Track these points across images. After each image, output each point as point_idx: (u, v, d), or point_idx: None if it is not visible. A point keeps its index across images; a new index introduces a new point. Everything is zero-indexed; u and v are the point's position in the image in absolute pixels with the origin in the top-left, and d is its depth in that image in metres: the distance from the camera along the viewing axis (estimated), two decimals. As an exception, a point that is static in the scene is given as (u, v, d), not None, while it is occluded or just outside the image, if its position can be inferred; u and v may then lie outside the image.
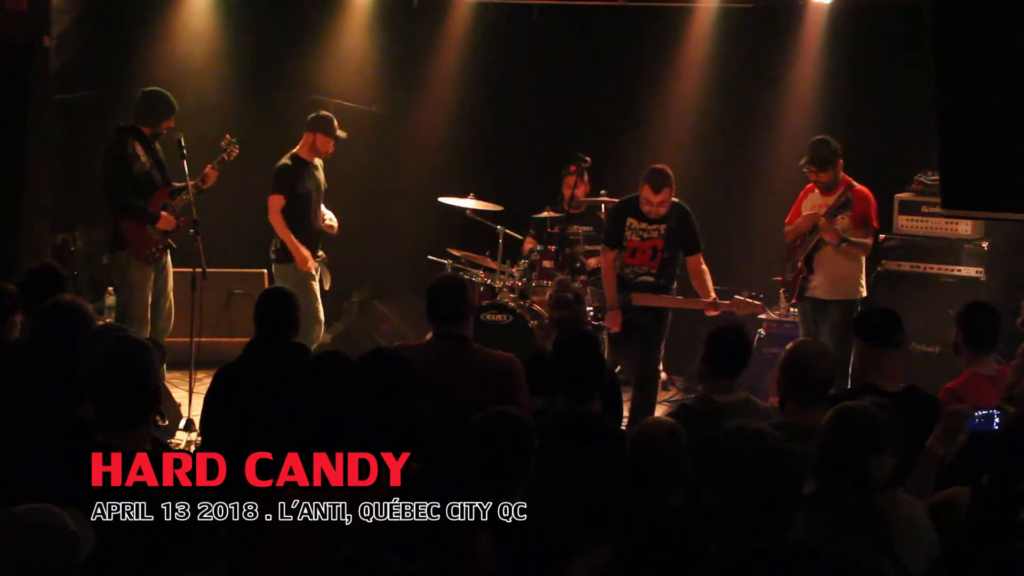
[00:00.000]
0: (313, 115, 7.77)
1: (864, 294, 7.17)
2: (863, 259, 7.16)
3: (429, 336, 4.88)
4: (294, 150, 7.71)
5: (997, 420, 3.72)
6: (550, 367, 4.46)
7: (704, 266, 7.14)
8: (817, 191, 7.18)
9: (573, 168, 8.09)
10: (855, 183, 7.09)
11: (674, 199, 7.07)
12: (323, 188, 7.82)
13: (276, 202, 7.60)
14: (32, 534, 2.79)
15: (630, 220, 7.09)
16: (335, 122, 7.71)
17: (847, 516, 3.15)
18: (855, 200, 7.00)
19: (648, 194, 6.95)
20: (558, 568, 3.18)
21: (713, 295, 7.09)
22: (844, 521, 3.14)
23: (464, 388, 4.43)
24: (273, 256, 7.72)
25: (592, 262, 8.25)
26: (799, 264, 7.15)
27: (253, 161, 8.24)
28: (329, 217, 7.86)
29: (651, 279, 7.09)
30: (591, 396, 4.25)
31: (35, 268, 5.39)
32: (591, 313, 7.29)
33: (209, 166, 7.37)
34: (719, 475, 2.95)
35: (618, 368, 7.32)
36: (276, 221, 7.60)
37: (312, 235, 7.70)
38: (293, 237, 7.55)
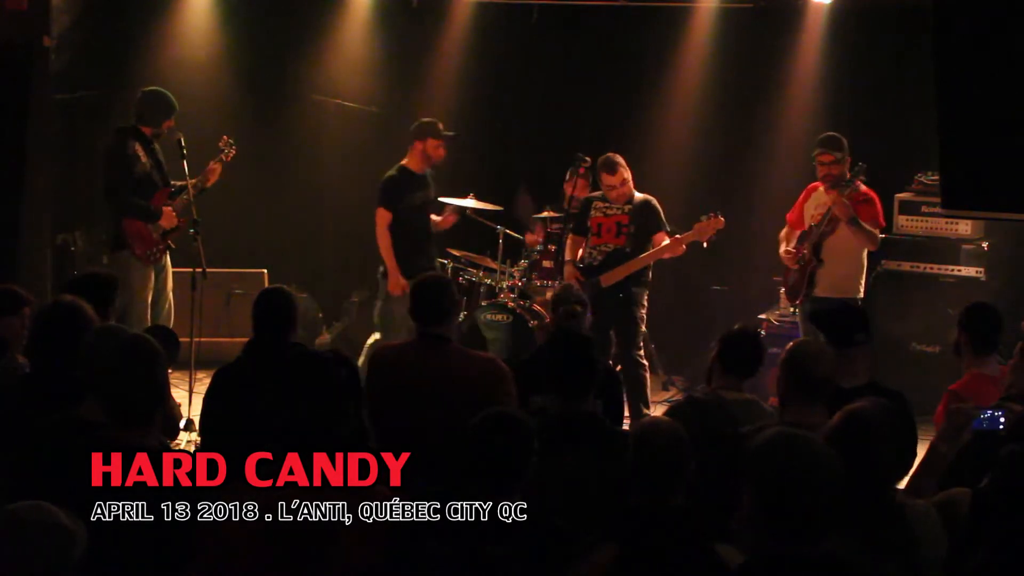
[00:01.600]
0: (416, 124, 7.61)
1: (862, 294, 7.13)
2: (864, 257, 7.12)
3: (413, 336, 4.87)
4: (402, 162, 7.58)
5: (1002, 420, 3.70)
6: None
7: (667, 239, 7.28)
8: (821, 189, 7.12)
9: (582, 170, 8.10)
10: (862, 185, 7.03)
11: (639, 193, 7.28)
12: (433, 199, 7.69)
13: (382, 217, 7.49)
14: (27, 531, 2.79)
15: (596, 203, 7.43)
16: (439, 124, 7.57)
17: (878, 536, 3.11)
18: (858, 198, 6.93)
19: (606, 180, 7.29)
20: (558, 568, 3.18)
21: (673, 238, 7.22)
22: (875, 541, 3.11)
23: (443, 389, 4.43)
24: (380, 274, 7.63)
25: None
26: (807, 254, 7.07)
27: (253, 161, 8.25)
28: (446, 214, 7.79)
29: (618, 253, 7.24)
30: (585, 396, 4.24)
31: (85, 275, 5.35)
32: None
33: (210, 165, 7.35)
34: (759, 484, 2.87)
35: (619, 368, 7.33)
36: (381, 237, 7.49)
37: (420, 248, 7.55)
38: (393, 259, 7.44)
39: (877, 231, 7.03)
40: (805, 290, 7.10)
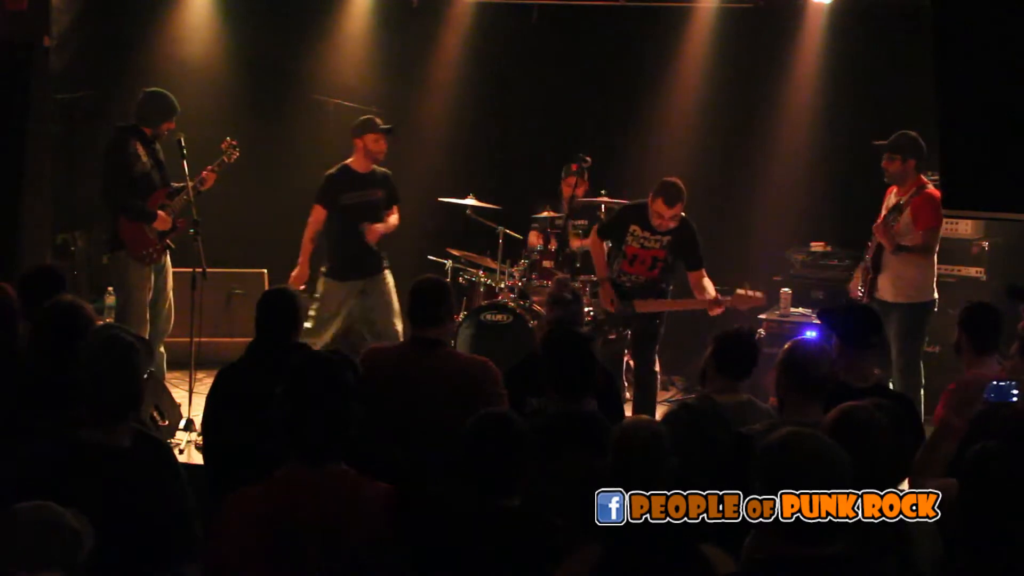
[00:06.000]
0: (355, 122, 7.59)
1: (935, 296, 6.95)
2: (931, 259, 6.95)
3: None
4: (346, 161, 7.52)
5: (1015, 391, 3.67)
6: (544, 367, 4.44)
7: (706, 279, 7.08)
8: (895, 192, 7.01)
9: (575, 167, 8.08)
10: (929, 185, 6.91)
11: (682, 213, 7.05)
12: (378, 199, 7.52)
13: (314, 212, 7.48)
14: (35, 531, 2.80)
15: (633, 227, 7.06)
16: (376, 118, 7.55)
17: (873, 534, 3.10)
18: (918, 203, 6.84)
19: (660, 207, 6.88)
20: (551, 568, 3.18)
21: (715, 294, 7.03)
22: (873, 541, 3.10)
23: (431, 391, 4.44)
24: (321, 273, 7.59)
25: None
26: (868, 265, 7.03)
27: (253, 161, 8.23)
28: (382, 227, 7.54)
29: (650, 284, 7.09)
30: (583, 396, 4.24)
31: (32, 271, 5.36)
32: (590, 313, 7.28)
33: (207, 169, 7.33)
34: (771, 484, 2.87)
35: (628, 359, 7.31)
36: (306, 228, 7.49)
37: (353, 249, 7.45)
38: (305, 248, 7.45)
39: (925, 238, 6.86)
40: (867, 296, 7.03)
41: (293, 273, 7.48)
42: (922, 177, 6.94)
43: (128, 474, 3.41)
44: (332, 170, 7.52)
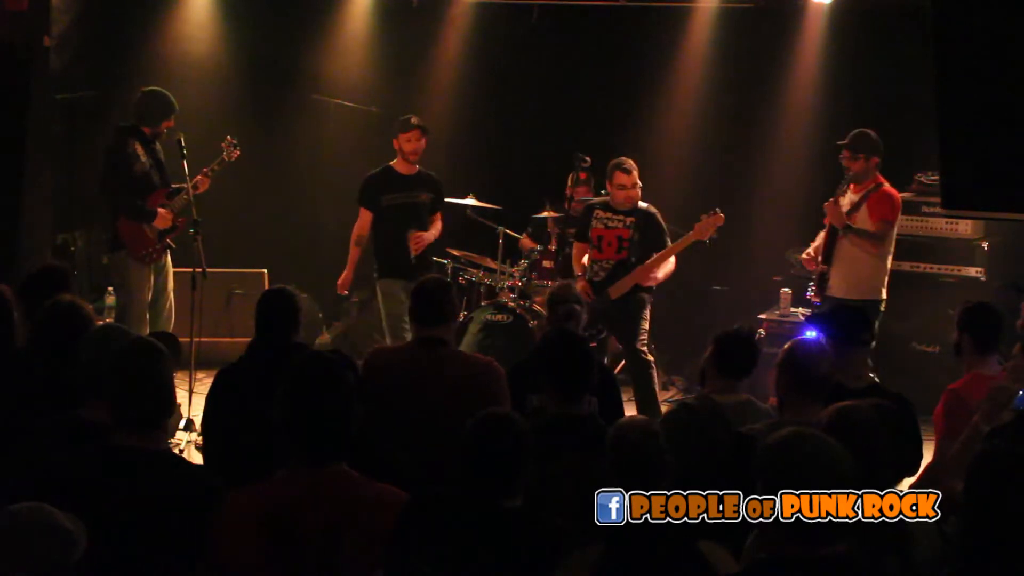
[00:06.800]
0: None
1: (884, 295, 7.04)
2: (884, 258, 7.04)
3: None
4: (390, 162, 7.54)
5: None
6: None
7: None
8: (851, 189, 7.09)
9: (583, 176, 8.11)
10: (885, 184, 7.03)
11: (643, 203, 7.14)
12: (421, 202, 7.50)
13: (360, 215, 7.51)
14: (28, 532, 2.79)
15: (596, 212, 7.26)
16: (409, 118, 7.54)
17: (876, 535, 3.11)
18: (875, 198, 6.95)
19: (621, 179, 7.10)
20: (552, 569, 3.18)
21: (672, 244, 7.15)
22: (873, 540, 3.11)
23: (435, 391, 4.44)
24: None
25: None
26: (819, 258, 7.10)
27: (253, 161, 8.24)
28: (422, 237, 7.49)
29: (620, 265, 7.16)
30: (582, 396, 4.24)
31: (37, 270, 5.35)
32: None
33: (203, 172, 7.31)
34: (773, 484, 2.87)
35: (618, 368, 7.32)
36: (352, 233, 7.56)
37: (395, 248, 7.43)
38: (351, 255, 7.52)
39: (878, 228, 6.95)
40: (818, 290, 7.10)
41: (340, 280, 7.58)
42: (879, 176, 7.03)
43: (164, 476, 3.39)
44: (374, 171, 7.55)
